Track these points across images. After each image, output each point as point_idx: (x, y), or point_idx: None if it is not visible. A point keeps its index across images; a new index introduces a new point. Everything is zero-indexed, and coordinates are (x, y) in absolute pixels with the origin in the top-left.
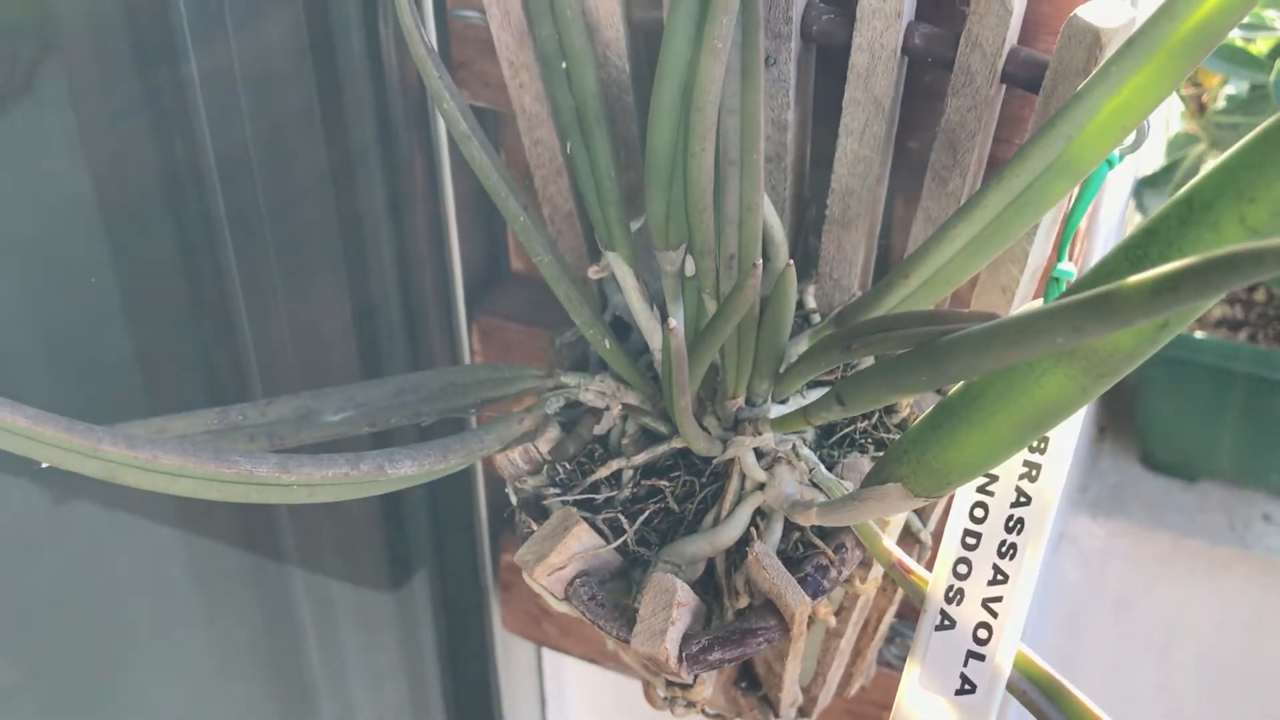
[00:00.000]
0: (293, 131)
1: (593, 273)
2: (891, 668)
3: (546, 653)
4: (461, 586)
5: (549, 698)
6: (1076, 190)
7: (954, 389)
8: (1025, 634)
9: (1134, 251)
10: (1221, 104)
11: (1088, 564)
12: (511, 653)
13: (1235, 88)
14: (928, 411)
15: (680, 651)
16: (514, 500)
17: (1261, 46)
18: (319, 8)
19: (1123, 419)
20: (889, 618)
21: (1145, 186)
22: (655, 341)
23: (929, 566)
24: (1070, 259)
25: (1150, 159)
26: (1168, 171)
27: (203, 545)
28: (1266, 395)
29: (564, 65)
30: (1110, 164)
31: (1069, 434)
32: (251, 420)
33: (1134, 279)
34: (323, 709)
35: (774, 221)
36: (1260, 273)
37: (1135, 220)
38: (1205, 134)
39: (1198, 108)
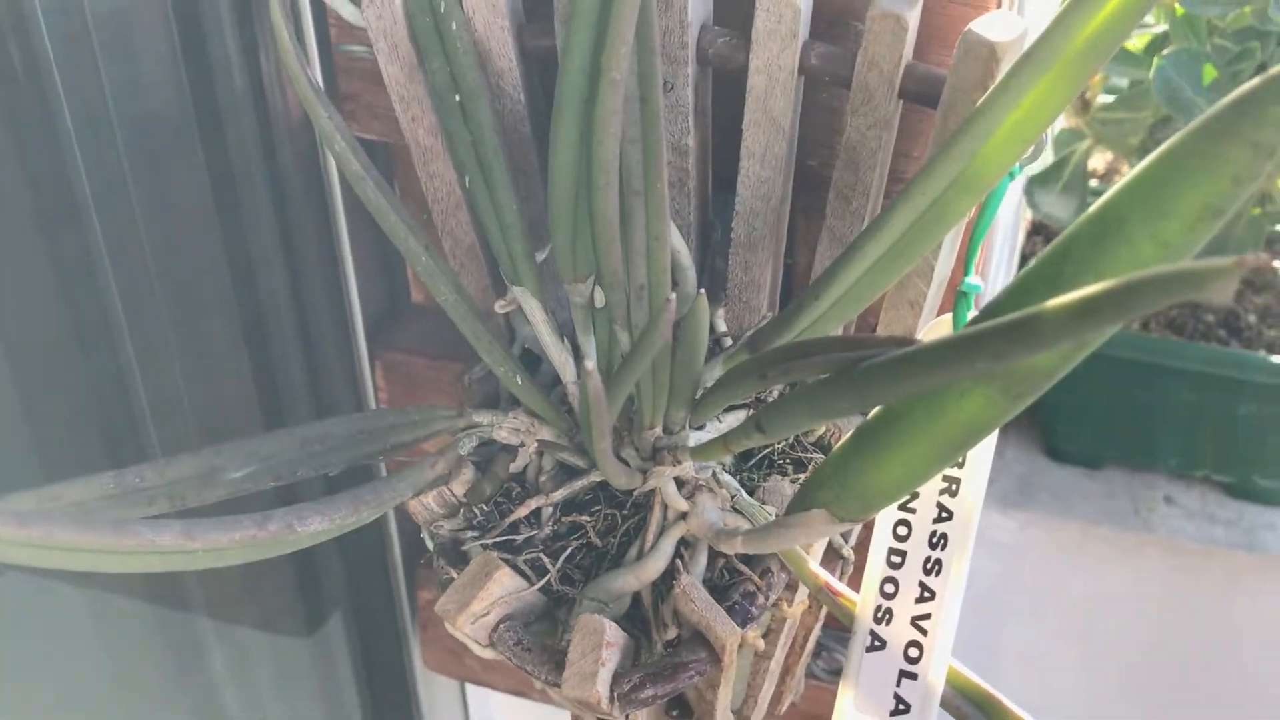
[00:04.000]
0: (174, 169)
1: (499, 307)
2: (819, 680)
3: (471, 689)
4: (379, 627)
5: None
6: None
7: (874, 412)
8: None
9: (1049, 270)
10: (1104, 100)
11: (1002, 557)
12: (434, 691)
13: (1116, 83)
14: (848, 435)
15: (612, 692)
16: (430, 546)
17: (1138, 43)
18: (196, 46)
19: (1024, 411)
20: (816, 633)
21: (1035, 184)
22: (567, 375)
23: (853, 584)
24: (977, 271)
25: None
26: (1057, 168)
27: (106, 596)
28: (1160, 381)
29: (457, 98)
30: (1011, 176)
31: (985, 448)
32: (150, 482)
33: (1054, 304)
34: None
35: (681, 247)
36: (1183, 294)
37: (1028, 217)
38: (1090, 129)
39: (1081, 104)
